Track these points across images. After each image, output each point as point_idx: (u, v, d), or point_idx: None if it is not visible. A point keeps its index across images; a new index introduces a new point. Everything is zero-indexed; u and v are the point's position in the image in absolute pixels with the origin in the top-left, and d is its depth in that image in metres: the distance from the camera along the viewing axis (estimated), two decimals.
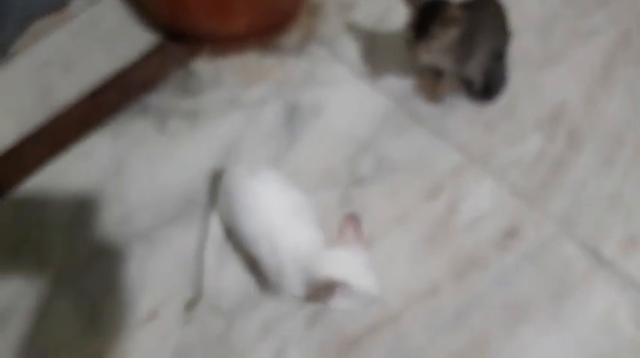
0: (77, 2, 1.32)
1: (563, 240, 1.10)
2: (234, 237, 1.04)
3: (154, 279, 1.06)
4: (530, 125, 1.22)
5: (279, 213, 0.93)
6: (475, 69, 1.17)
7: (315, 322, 1.03)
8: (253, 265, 1.04)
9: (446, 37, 1.03)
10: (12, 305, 1.03)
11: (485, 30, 1.13)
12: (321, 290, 0.86)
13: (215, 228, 1.06)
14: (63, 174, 1.16)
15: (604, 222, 1.13)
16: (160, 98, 1.25)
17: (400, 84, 1.26)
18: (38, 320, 1.01)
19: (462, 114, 1.23)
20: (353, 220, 0.92)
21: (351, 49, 1.31)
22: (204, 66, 1.28)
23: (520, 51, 1.27)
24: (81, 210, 1.12)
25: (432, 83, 1.23)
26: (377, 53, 1.30)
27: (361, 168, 1.17)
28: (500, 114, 1.23)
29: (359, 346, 1.02)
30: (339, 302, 0.88)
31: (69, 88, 1.24)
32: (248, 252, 1.00)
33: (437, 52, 1.06)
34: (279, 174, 1.01)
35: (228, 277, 1.06)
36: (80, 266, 1.06)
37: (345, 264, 0.89)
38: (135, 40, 1.29)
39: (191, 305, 1.03)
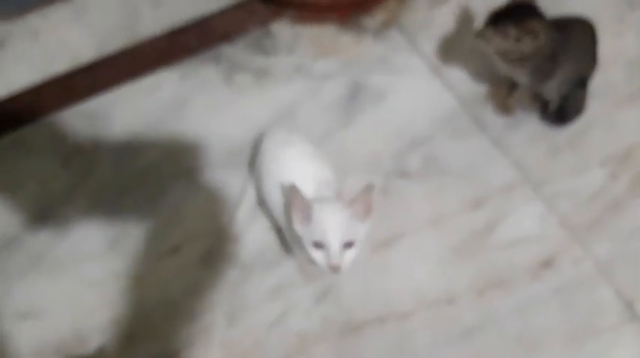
0: None
1: (600, 283, 1.05)
2: (263, 200, 1.06)
3: (185, 217, 1.09)
4: (596, 159, 1.16)
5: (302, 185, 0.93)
6: (553, 90, 1.12)
7: (324, 297, 1.03)
8: (278, 230, 1.05)
9: (514, 41, 0.99)
10: (49, 208, 1.09)
11: (572, 53, 1.08)
12: None
13: (251, 191, 1.08)
14: (128, 100, 1.21)
15: None
16: (235, 51, 1.27)
17: (472, 87, 1.23)
18: (69, 228, 1.07)
19: (528, 131, 1.18)
20: (367, 192, 0.86)
21: (430, 42, 1.28)
22: (282, 29, 1.30)
23: (605, 83, 1.21)
24: (135, 137, 1.17)
25: (505, 94, 1.19)
26: (456, 52, 1.26)
27: (409, 162, 1.16)
28: (568, 142, 1.17)
29: (362, 332, 1.01)
30: None
31: (153, 22, 1.29)
32: (272, 217, 1.02)
33: (502, 62, 1.03)
34: (312, 148, 1.01)
35: (253, 235, 1.08)
36: (121, 188, 1.11)
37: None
38: None
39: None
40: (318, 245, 0.84)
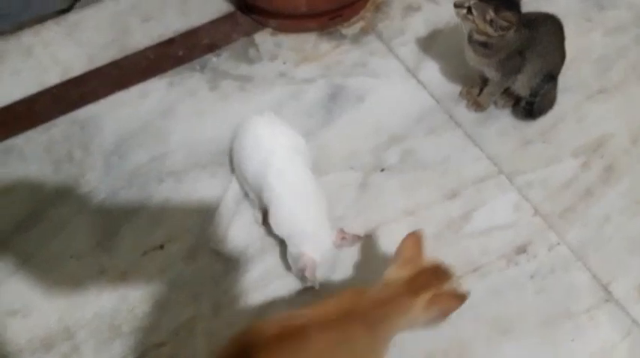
0: None
1: (575, 268, 1.07)
2: (242, 178, 1.11)
3: (171, 216, 1.13)
4: (568, 150, 1.20)
5: (279, 153, 1.00)
6: (523, 85, 1.17)
7: (307, 290, 1.06)
8: (265, 215, 1.09)
9: (487, 22, 1.05)
10: (41, 210, 1.13)
11: (539, 49, 1.13)
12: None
13: (235, 185, 1.13)
14: (118, 108, 1.26)
15: (622, 261, 1.09)
16: (220, 60, 1.34)
17: (446, 86, 1.28)
18: (60, 228, 1.11)
19: (500, 126, 1.23)
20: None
21: (405, 47, 1.34)
22: (266, 38, 1.36)
23: (575, 78, 1.26)
24: (125, 142, 1.22)
25: (477, 91, 1.24)
26: (430, 55, 1.32)
27: (388, 157, 1.20)
28: (540, 134, 1.22)
29: None
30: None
31: (142, 36, 1.36)
32: (253, 193, 1.08)
33: (472, 54, 1.09)
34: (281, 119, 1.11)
35: (236, 229, 1.11)
36: (110, 190, 1.16)
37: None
38: (209, 5, 1.41)
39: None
40: None
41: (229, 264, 1.08)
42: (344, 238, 1.01)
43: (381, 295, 0.82)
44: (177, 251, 1.10)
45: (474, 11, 1.06)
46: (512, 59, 1.12)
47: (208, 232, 1.10)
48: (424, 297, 0.80)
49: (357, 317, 0.79)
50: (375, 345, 0.81)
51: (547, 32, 1.15)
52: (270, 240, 1.09)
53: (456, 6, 1.08)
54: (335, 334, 0.77)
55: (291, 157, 1.03)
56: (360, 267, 1.08)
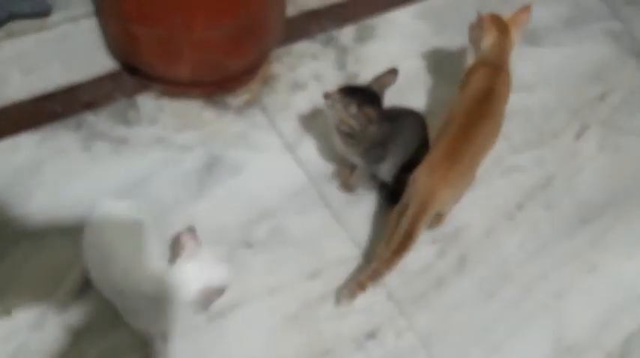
0: (57, 16, 1.43)
1: (419, 355, 1.11)
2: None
3: (21, 280, 1.09)
4: (427, 238, 1.25)
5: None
6: (386, 172, 1.23)
7: None
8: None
9: (350, 115, 1.12)
10: None
11: (401, 141, 1.20)
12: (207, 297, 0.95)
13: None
14: None
15: (465, 350, 1.14)
16: (97, 119, 1.32)
17: (321, 165, 1.32)
18: None
19: (366, 208, 1.28)
20: (191, 232, 0.99)
21: (287, 122, 1.38)
22: (147, 101, 1.36)
23: None
24: None
25: (348, 173, 1.29)
26: (309, 134, 1.37)
27: (256, 233, 1.21)
28: None
29: None
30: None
31: (20, 88, 1.33)
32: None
33: (336, 116, 1.15)
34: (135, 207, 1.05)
35: (85, 301, 1.08)
36: None
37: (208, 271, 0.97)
38: (94, 62, 1.39)
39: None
40: None
41: (75, 336, 1.05)
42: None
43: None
44: (24, 319, 1.05)
45: (338, 104, 1.12)
46: (376, 149, 1.18)
47: (57, 301, 1.06)
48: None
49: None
50: None
51: (409, 126, 1.23)
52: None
53: (324, 97, 1.14)
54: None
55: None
56: (214, 348, 1.07)
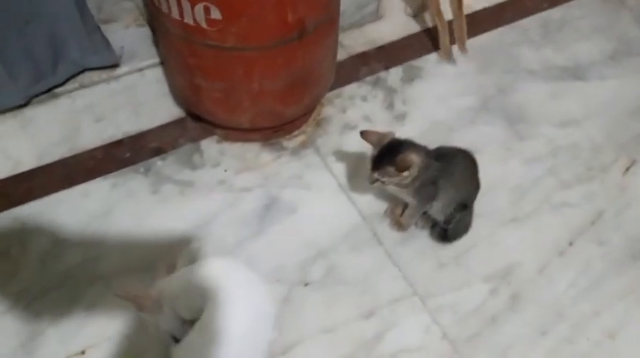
0: (125, 67, 1.55)
1: None
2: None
3: (95, 321, 1.17)
4: (479, 276, 1.28)
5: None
6: (438, 211, 1.27)
7: None
8: None
9: (399, 177, 1.15)
10: None
11: (452, 179, 1.24)
12: None
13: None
14: (60, 206, 1.32)
15: None
16: (164, 163, 1.41)
17: (373, 204, 1.38)
18: None
19: (419, 247, 1.32)
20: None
21: (340, 163, 1.44)
22: (211, 146, 1.45)
23: (491, 205, 1.36)
24: (61, 242, 1.27)
25: (400, 212, 1.33)
26: (361, 173, 1.42)
27: (311, 272, 1.27)
28: (454, 258, 1.31)
29: None
30: None
31: (92, 136, 1.44)
32: None
33: (392, 186, 1.18)
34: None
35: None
36: (41, 290, 1.20)
37: None
38: (161, 110, 1.50)
39: None
40: None
41: None
42: None
43: None
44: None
45: (384, 179, 1.17)
46: (426, 188, 1.22)
47: (128, 344, 1.14)
48: None
49: None
50: None
51: (459, 165, 1.26)
52: None
53: (371, 183, 1.19)
54: None
55: None
56: None
